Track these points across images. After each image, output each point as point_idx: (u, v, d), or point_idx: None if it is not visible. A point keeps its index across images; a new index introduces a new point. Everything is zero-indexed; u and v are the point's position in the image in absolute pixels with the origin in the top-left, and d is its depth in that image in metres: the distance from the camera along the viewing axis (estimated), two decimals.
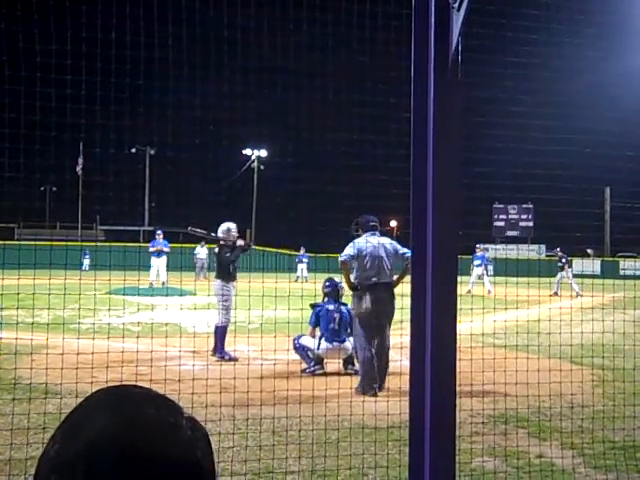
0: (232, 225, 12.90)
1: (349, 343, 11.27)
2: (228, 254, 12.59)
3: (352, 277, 10.40)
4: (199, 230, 13.46)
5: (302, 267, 41.27)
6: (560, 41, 8.80)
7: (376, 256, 10.26)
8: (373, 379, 9.85)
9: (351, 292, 10.43)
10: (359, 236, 10.56)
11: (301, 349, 11.41)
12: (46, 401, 7.44)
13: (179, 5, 7.54)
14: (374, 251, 10.28)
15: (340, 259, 10.39)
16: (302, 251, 43.84)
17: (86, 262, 35.04)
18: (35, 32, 6.92)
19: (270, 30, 7.52)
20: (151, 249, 29.12)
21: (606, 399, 8.86)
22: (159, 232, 30.27)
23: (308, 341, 11.40)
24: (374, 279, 10.18)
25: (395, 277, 10.43)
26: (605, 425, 7.62)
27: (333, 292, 11.71)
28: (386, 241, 10.52)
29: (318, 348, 11.25)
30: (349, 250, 10.38)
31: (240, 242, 12.79)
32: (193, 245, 38.34)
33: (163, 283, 27.57)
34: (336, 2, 6.98)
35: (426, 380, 2.91)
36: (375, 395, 9.43)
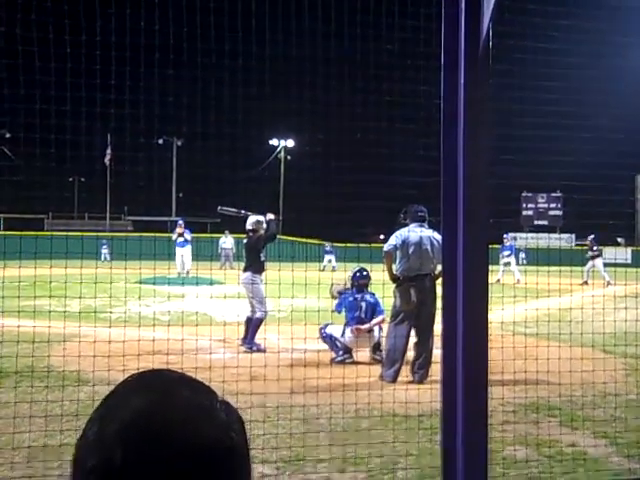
0: (261, 217, 12.96)
1: (376, 331, 11.25)
2: (258, 240, 12.68)
3: (394, 268, 10.16)
4: (229, 208, 13.54)
5: (330, 257, 40.11)
6: (593, 26, 8.69)
7: (421, 247, 9.97)
8: (396, 363, 9.80)
9: (393, 283, 10.14)
10: (406, 225, 10.28)
11: (328, 338, 11.26)
12: (78, 389, 7.52)
13: None
14: (419, 242, 9.99)
15: (384, 249, 10.21)
16: (327, 246, 41.02)
17: (104, 252, 34.95)
18: (65, 22, 6.97)
19: (298, 19, 7.51)
20: (174, 236, 29.23)
21: (638, 388, 8.78)
22: (180, 222, 30.38)
23: (334, 330, 11.32)
24: (417, 271, 9.93)
25: (439, 269, 10.17)
26: (638, 414, 7.55)
27: (366, 283, 11.65)
28: (433, 234, 10.01)
29: (343, 336, 11.23)
30: (393, 240, 10.16)
31: (270, 215, 12.88)
32: (220, 235, 38.40)
33: (188, 272, 27.57)
34: None
35: (458, 368, 2.89)
36: (395, 381, 9.45)
